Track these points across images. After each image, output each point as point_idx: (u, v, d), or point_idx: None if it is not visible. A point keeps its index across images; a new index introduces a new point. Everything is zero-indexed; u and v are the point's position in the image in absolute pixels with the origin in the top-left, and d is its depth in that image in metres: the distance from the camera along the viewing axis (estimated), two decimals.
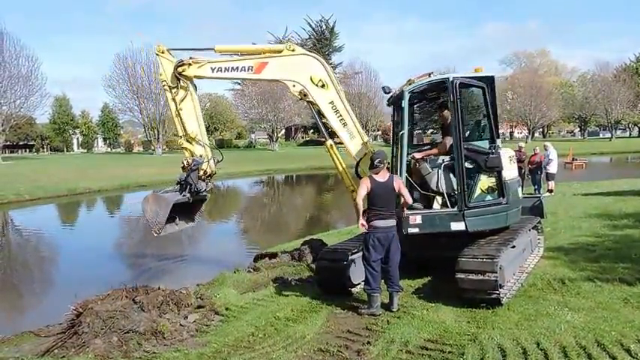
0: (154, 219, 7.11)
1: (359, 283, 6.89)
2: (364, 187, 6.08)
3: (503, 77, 77.07)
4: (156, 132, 62.82)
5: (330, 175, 32.64)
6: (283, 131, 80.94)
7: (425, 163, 7.16)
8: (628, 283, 6.63)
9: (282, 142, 78.18)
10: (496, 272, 5.79)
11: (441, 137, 7.69)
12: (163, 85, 7.73)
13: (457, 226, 6.59)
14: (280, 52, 7.39)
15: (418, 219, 6.65)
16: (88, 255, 13.36)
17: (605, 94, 72.16)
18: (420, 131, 9.01)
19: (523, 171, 15.94)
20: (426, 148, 7.83)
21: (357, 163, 7.54)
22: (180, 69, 7.48)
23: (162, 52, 7.65)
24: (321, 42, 76.80)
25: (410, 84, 6.95)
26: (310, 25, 78.26)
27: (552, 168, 17.33)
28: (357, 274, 6.78)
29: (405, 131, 6.82)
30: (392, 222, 6.14)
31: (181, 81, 7.57)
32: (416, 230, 6.64)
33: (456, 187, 6.72)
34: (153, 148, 63.94)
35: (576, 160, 35.58)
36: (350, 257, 6.76)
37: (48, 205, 24.62)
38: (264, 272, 8.80)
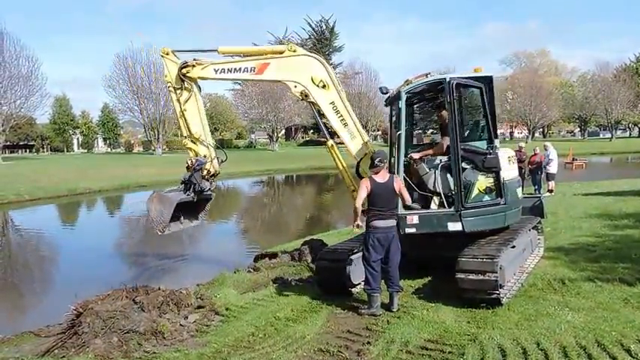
0: (159, 218, 7.24)
1: (359, 283, 6.89)
2: (364, 189, 6.06)
3: (504, 77, 76.98)
4: (156, 132, 62.79)
5: (330, 175, 32.67)
6: (283, 131, 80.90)
7: (422, 163, 7.16)
8: (628, 283, 6.63)
9: (282, 142, 78.14)
10: (496, 272, 5.79)
11: (440, 137, 7.69)
12: (168, 87, 7.83)
13: (454, 226, 6.58)
14: (282, 52, 7.43)
15: (415, 219, 6.65)
16: (88, 255, 13.38)
17: (605, 94, 72.05)
18: (420, 131, 9.00)
19: (523, 171, 15.94)
20: (425, 148, 7.83)
21: (358, 163, 7.56)
22: (184, 70, 7.57)
23: (167, 54, 7.72)
24: (321, 42, 76.71)
25: (407, 84, 6.95)
26: (310, 25, 78.33)
27: (552, 168, 17.33)
28: (357, 274, 6.77)
29: (403, 132, 6.82)
30: (392, 222, 6.15)
31: (185, 82, 7.63)
32: (413, 230, 6.65)
33: (453, 188, 6.71)
34: (153, 148, 63.93)
35: (576, 160, 35.58)
36: (350, 257, 6.76)
37: (48, 206, 24.62)
38: (264, 272, 8.82)
